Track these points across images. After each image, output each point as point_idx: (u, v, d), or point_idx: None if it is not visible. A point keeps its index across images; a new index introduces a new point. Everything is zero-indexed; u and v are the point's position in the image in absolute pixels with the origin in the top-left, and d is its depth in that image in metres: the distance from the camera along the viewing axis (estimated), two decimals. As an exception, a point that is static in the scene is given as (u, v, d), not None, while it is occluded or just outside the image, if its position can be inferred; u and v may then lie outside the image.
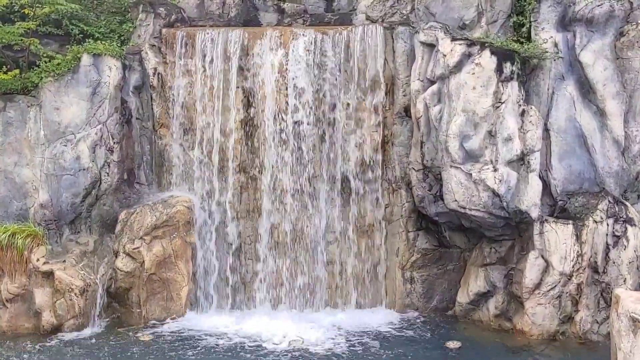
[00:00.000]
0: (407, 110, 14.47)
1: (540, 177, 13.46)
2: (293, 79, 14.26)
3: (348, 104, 14.44)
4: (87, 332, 13.28)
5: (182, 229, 14.02)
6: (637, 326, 9.85)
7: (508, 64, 13.28)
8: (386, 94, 14.54)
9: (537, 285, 13.24)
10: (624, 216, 13.29)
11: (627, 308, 10.07)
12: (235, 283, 14.60)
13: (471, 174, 13.19)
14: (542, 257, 13.29)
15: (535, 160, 13.34)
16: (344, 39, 14.42)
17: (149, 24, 14.99)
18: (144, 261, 13.64)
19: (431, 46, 13.89)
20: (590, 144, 13.70)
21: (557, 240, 13.18)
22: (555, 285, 13.17)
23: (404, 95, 14.47)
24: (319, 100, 14.38)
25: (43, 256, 13.24)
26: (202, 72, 14.52)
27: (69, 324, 13.20)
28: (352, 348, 12.82)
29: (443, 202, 13.67)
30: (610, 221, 13.21)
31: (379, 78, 14.45)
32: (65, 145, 13.98)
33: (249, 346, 12.84)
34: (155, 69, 14.74)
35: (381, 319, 14.20)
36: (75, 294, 13.17)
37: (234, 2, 15.61)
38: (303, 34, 14.38)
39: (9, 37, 14.15)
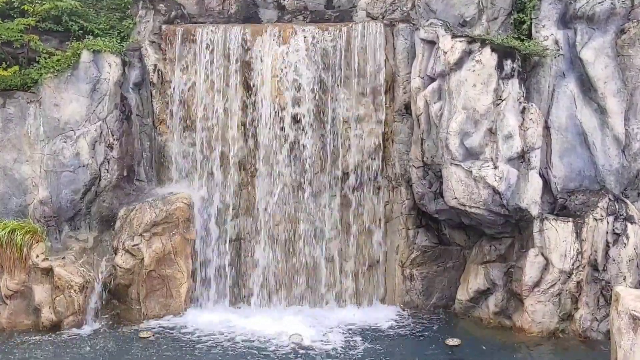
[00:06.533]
0: (407, 107, 14.45)
1: (540, 174, 13.46)
2: (293, 75, 14.23)
3: (348, 101, 14.42)
4: (86, 329, 13.27)
5: (182, 226, 14.00)
6: (637, 324, 9.85)
7: (509, 62, 13.26)
8: (386, 91, 14.51)
9: (537, 283, 13.23)
10: (624, 214, 13.28)
11: (627, 306, 10.08)
12: (234, 280, 14.58)
13: (471, 172, 13.18)
14: (542, 254, 13.28)
15: (535, 158, 13.33)
16: (344, 36, 14.38)
17: (148, 21, 14.97)
18: (143, 258, 13.62)
19: (432, 43, 13.87)
20: (590, 141, 13.69)
21: (557, 238, 13.17)
22: (555, 283, 13.16)
23: (404, 93, 14.45)
24: (319, 97, 14.35)
25: (42, 253, 13.21)
26: (202, 69, 14.49)
27: (69, 321, 13.20)
28: (351, 345, 12.80)
29: (443, 199, 13.65)
30: (610, 219, 13.20)
31: (379, 75, 14.41)
32: (65, 142, 13.96)
33: (248, 343, 12.83)
34: (155, 65, 14.72)
35: (381, 316, 14.18)
36: (75, 291, 13.17)
37: (234, -2, 15.61)
38: (303, 31, 14.36)
39: (8, 33, 14.13)
